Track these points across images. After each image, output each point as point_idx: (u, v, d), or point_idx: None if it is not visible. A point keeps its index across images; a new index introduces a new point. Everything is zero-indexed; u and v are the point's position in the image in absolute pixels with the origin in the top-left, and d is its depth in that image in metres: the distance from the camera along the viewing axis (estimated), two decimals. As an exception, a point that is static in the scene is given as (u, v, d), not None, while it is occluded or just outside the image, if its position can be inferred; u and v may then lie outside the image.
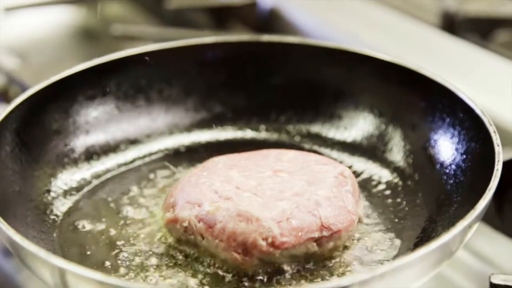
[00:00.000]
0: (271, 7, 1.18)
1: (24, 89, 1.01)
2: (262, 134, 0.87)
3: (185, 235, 0.71)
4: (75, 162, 0.81)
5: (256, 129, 0.88)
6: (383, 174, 0.80)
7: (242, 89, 0.88)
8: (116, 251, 0.72)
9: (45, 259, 0.62)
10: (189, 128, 0.87)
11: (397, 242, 0.72)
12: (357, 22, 1.12)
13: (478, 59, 1.01)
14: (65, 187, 0.79)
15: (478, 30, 1.13)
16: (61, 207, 0.77)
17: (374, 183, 0.80)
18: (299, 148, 0.84)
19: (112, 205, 0.78)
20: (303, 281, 0.68)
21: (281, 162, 0.76)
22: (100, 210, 0.77)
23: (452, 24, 1.13)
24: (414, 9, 1.19)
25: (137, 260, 0.71)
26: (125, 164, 0.83)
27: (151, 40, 1.12)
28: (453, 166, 0.76)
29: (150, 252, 0.72)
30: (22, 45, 1.23)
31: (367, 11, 1.15)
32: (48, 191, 0.78)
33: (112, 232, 0.74)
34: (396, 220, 0.75)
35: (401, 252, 0.71)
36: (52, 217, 0.76)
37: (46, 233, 0.74)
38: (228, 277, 0.68)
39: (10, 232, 0.64)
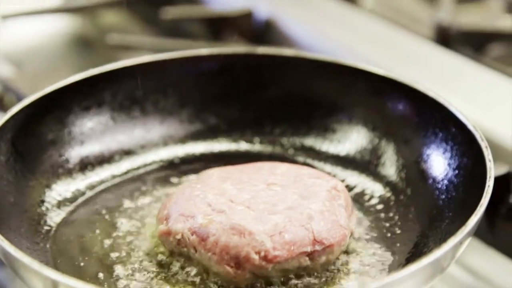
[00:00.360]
0: (266, 18, 1.18)
1: (19, 97, 1.02)
2: (256, 147, 0.88)
3: (178, 248, 0.71)
4: (69, 172, 0.81)
5: (250, 142, 0.88)
6: (375, 188, 0.81)
7: (237, 101, 0.88)
8: (110, 262, 0.72)
9: (38, 271, 0.62)
10: (184, 139, 0.87)
11: (389, 256, 0.73)
12: (351, 34, 1.13)
13: (471, 73, 1.02)
14: (60, 198, 0.79)
15: (471, 43, 1.14)
16: (55, 218, 0.77)
17: (367, 197, 0.80)
18: (293, 161, 0.84)
19: (106, 216, 0.78)
20: (295, 295, 0.68)
21: (274, 176, 0.77)
22: (94, 221, 0.77)
23: (446, 37, 1.14)
24: (408, 21, 1.20)
25: (130, 271, 0.71)
26: (120, 175, 0.84)
27: (146, 49, 1.12)
28: (445, 181, 0.76)
29: (144, 264, 0.72)
30: (18, 53, 1.23)
31: (362, 23, 1.16)
32: (43, 201, 0.78)
33: (106, 243, 0.75)
34: (388, 234, 0.75)
35: (393, 267, 0.71)
36: (46, 228, 0.76)
37: (39, 244, 0.74)
38: (221, 289, 0.69)
39: (4, 244, 0.64)
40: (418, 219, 0.76)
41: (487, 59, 1.11)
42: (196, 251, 0.70)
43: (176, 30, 1.23)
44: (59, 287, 0.62)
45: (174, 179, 0.83)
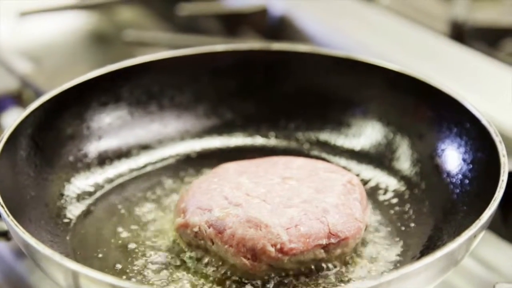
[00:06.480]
0: (281, 14, 1.19)
1: (37, 93, 1.03)
2: (272, 141, 0.89)
3: (195, 240, 0.73)
4: (88, 166, 0.83)
5: (266, 136, 0.89)
6: (390, 182, 0.82)
7: (252, 96, 0.89)
8: (127, 254, 0.73)
9: (60, 262, 0.63)
10: (200, 134, 0.88)
11: (403, 249, 0.73)
12: (366, 30, 1.13)
13: (486, 69, 1.02)
14: (78, 191, 0.80)
15: (486, 39, 1.14)
16: (74, 210, 0.79)
17: (381, 191, 0.81)
18: (308, 155, 0.85)
19: (123, 209, 0.79)
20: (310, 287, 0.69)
21: (290, 170, 0.77)
22: (112, 214, 0.79)
23: (461, 33, 1.14)
24: (423, 17, 1.20)
25: (148, 263, 0.72)
26: (137, 169, 0.85)
27: (163, 46, 1.13)
28: (460, 176, 0.77)
29: (161, 256, 0.73)
30: (36, 49, 1.25)
31: (377, 19, 1.16)
32: (62, 195, 0.79)
33: (124, 235, 0.76)
34: (403, 228, 0.76)
35: (407, 260, 0.72)
36: (65, 220, 0.77)
37: (59, 237, 0.75)
38: (237, 281, 0.70)
39: (26, 236, 0.65)
40: (432, 213, 0.76)
41: (502, 54, 1.11)
42: (213, 243, 0.71)
43: (191, 26, 1.24)
44: (79, 278, 0.63)
45: (191, 173, 0.84)
